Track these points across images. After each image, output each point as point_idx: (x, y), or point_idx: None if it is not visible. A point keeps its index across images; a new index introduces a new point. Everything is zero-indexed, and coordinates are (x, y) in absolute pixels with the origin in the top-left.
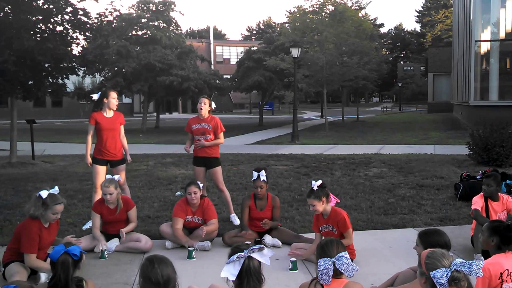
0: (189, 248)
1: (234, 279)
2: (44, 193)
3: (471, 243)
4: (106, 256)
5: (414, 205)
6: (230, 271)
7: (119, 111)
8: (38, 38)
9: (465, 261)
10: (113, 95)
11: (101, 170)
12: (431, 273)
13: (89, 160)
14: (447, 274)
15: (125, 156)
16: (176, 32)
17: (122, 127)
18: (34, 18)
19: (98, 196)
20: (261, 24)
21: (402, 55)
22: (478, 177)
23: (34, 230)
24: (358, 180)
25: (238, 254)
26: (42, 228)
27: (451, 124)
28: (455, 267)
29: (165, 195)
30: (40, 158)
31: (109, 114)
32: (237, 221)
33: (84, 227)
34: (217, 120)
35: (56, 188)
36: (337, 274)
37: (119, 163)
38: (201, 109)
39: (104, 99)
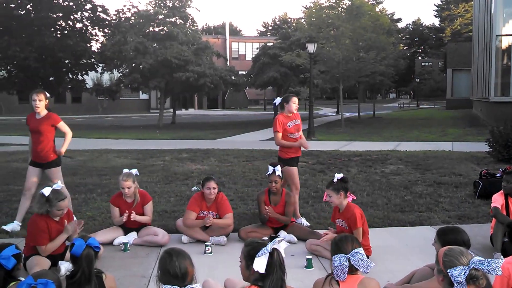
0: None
1: (263, 271)
2: (46, 191)
3: (490, 242)
4: (129, 248)
5: (432, 203)
6: (261, 264)
7: (53, 112)
8: (58, 35)
9: (483, 259)
10: (33, 98)
11: (31, 171)
12: (448, 271)
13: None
14: (465, 272)
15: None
16: (193, 28)
17: (60, 126)
18: (54, 15)
19: (25, 200)
20: (276, 20)
21: (420, 50)
22: (498, 175)
23: (41, 224)
24: (374, 177)
25: (270, 244)
26: (50, 221)
27: (470, 121)
28: (473, 265)
29: (181, 190)
30: None
31: (39, 115)
32: (306, 223)
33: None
34: (299, 116)
35: (59, 183)
36: (352, 270)
37: (48, 166)
38: (294, 104)
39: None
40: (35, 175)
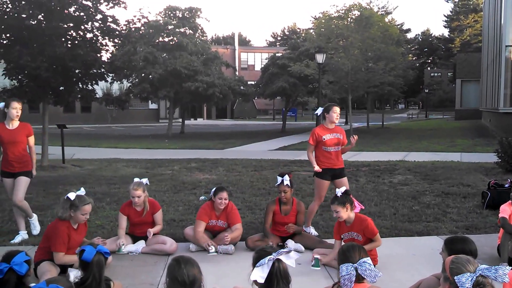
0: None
1: (263, 281)
2: (71, 195)
3: (498, 252)
4: (124, 250)
5: (439, 213)
6: (260, 274)
7: (26, 122)
8: (69, 45)
9: (490, 266)
10: (14, 105)
11: (9, 182)
12: (455, 277)
13: None
14: (472, 279)
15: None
16: (202, 38)
17: (30, 139)
18: (65, 26)
19: (18, 211)
20: (286, 30)
21: (429, 61)
22: (506, 185)
23: (63, 229)
24: (382, 187)
25: (269, 257)
26: (71, 229)
27: (479, 132)
28: (480, 272)
29: (189, 199)
30: (69, 162)
31: (12, 125)
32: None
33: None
34: (343, 129)
35: (82, 189)
36: (359, 279)
37: (21, 175)
38: (334, 113)
39: (5, 109)
40: (13, 185)
